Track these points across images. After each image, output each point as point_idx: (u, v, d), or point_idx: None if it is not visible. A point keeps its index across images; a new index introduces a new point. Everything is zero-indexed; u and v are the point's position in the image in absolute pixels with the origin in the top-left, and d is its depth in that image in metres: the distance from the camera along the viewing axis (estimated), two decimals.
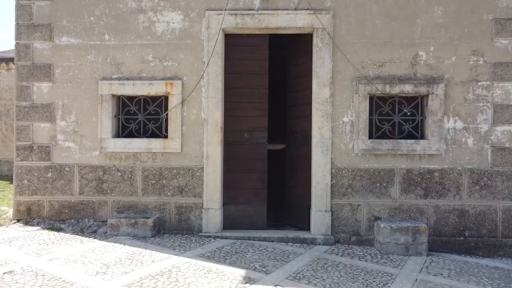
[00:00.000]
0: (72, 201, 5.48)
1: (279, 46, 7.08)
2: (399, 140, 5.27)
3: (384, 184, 5.29)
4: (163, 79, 5.44)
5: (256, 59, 5.72)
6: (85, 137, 5.48)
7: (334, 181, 5.31)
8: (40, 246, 4.66)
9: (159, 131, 5.53)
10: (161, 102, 5.52)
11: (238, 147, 5.65)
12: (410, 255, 4.88)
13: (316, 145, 5.32)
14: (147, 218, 5.22)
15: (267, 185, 5.66)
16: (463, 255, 5.11)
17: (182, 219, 5.41)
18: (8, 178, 10.33)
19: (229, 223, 5.57)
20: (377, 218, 5.26)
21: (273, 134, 6.99)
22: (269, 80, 5.71)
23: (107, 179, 5.45)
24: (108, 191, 5.46)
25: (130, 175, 5.44)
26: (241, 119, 5.63)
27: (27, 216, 5.52)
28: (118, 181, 5.45)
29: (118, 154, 5.45)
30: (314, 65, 5.36)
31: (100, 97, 5.45)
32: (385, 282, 3.96)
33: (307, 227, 5.56)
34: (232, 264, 4.29)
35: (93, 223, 5.43)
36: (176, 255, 4.49)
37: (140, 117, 5.54)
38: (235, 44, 5.64)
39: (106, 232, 5.23)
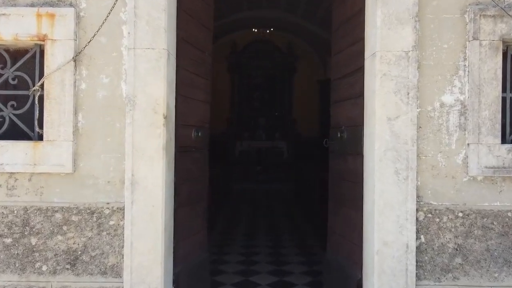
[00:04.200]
0: None
1: None
2: None
3: None
4: (32, 5, 2.39)
5: None
6: None
7: (423, 239, 2.33)
8: None
9: (26, 124, 2.46)
10: (30, 59, 2.45)
11: (191, 158, 2.77)
12: None
13: (381, 157, 2.32)
14: None
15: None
16: None
17: None
18: None
19: None
20: None
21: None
22: None
23: None
24: None
25: None
26: (193, 104, 2.79)
27: None
28: None
29: None
30: None
31: None
32: None
33: None
34: None
35: None
36: None
37: None
38: None
39: None
